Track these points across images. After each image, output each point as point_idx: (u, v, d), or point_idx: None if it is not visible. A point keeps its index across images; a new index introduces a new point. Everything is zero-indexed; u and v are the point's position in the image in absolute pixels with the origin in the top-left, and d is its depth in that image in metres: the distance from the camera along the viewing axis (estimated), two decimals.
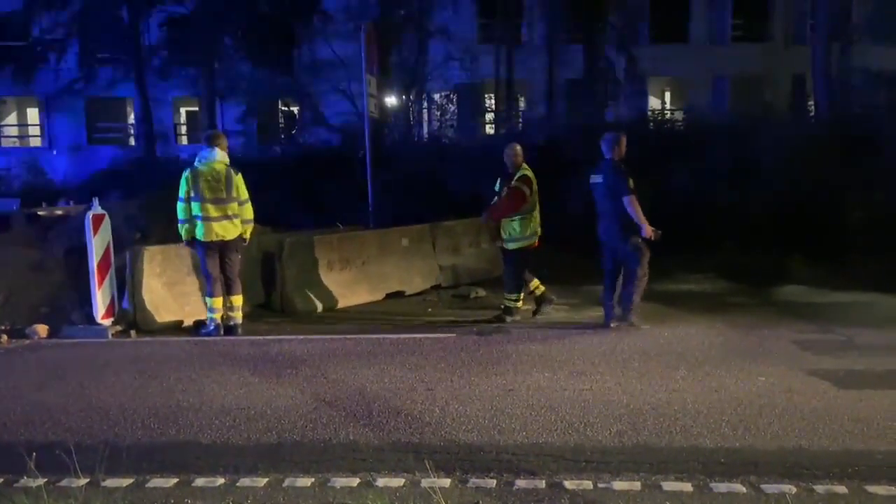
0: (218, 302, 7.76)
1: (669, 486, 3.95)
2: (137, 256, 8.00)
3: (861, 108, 14.66)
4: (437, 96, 21.25)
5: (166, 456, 4.46)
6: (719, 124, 14.32)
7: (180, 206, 7.65)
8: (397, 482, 4.03)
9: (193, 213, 7.59)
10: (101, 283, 7.78)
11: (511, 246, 8.18)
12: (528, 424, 4.87)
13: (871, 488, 3.89)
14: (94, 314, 7.80)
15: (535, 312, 8.43)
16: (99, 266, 7.77)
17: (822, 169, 11.76)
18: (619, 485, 3.98)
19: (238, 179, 7.66)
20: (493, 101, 22.61)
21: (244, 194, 7.72)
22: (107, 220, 7.89)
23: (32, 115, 30.30)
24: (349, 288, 9.46)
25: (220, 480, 4.10)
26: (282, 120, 22.88)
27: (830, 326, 7.66)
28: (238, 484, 4.06)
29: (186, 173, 7.63)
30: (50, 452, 4.28)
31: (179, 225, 7.70)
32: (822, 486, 3.91)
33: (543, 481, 4.02)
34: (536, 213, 8.19)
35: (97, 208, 7.87)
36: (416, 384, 5.81)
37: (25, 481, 4.01)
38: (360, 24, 13.47)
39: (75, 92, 25.04)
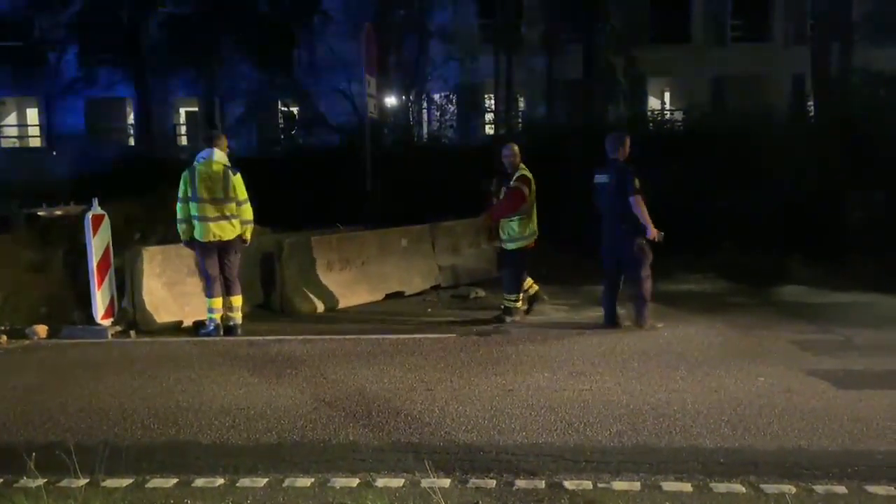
0: (217, 302, 7.75)
1: (669, 486, 3.95)
2: (137, 257, 8.00)
3: (861, 108, 14.65)
4: (436, 96, 21.24)
5: (166, 456, 4.47)
6: (719, 124, 14.31)
7: (179, 206, 7.65)
8: (397, 482, 4.03)
9: (191, 213, 7.58)
10: (100, 283, 7.78)
11: (510, 246, 8.17)
12: (528, 425, 4.87)
13: (871, 488, 3.90)
14: (94, 314, 7.80)
15: (526, 311, 8.42)
16: (98, 266, 7.78)
17: (822, 169, 11.76)
18: (618, 485, 3.98)
19: (236, 180, 7.64)
20: (492, 102, 22.61)
21: (242, 195, 7.69)
22: (106, 220, 7.89)
23: (32, 115, 30.30)
24: (349, 288, 9.46)
25: (220, 481, 4.11)
26: (281, 120, 22.85)
27: (830, 326, 7.66)
28: (238, 484, 4.06)
29: (185, 173, 7.63)
30: (50, 453, 4.28)
31: (178, 225, 7.70)
32: (822, 486, 3.92)
33: (543, 481, 4.02)
34: (534, 213, 8.19)
35: (97, 209, 7.87)
36: (415, 384, 5.82)
37: (25, 481, 4.01)
38: (360, 25, 13.48)
39: (75, 92, 25.04)
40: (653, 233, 7.43)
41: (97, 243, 7.78)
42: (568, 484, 3.99)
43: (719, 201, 11.84)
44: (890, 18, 20.19)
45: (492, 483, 4.01)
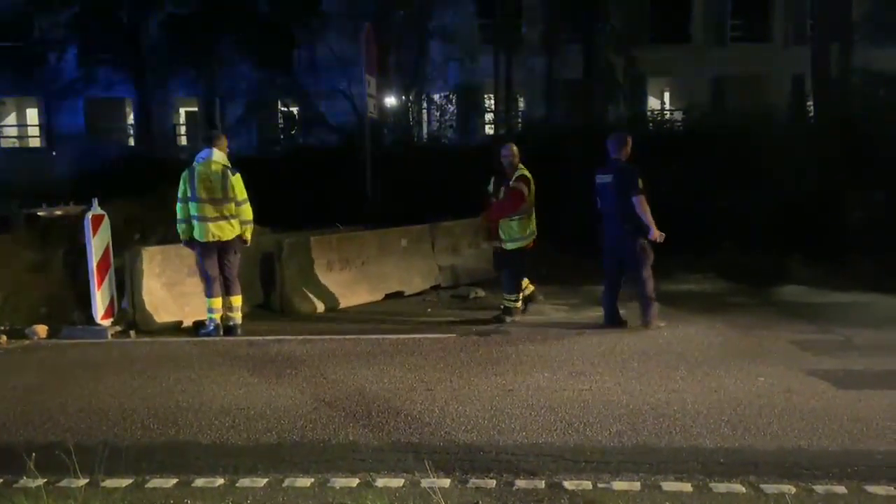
0: (217, 302, 7.75)
1: (669, 486, 3.96)
2: (137, 257, 8.00)
3: (860, 108, 14.65)
4: (436, 97, 21.22)
5: (166, 456, 4.47)
6: (719, 125, 14.31)
7: (178, 206, 7.65)
8: (397, 482, 4.03)
9: (191, 213, 7.59)
10: (100, 283, 7.78)
11: (510, 246, 8.17)
12: (528, 425, 4.87)
13: (871, 488, 3.90)
14: (94, 315, 7.80)
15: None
16: (98, 266, 7.78)
17: (822, 169, 11.76)
18: (618, 485, 3.98)
19: (235, 180, 7.62)
20: (492, 102, 22.59)
21: (241, 195, 7.68)
22: (106, 220, 7.89)
23: (32, 115, 30.29)
24: (348, 288, 9.46)
25: (220, 481, 4.11)
26: (281, 120, 22.85)
27: (830, 326, 7.66)
28: (237, 484, 4.06)
29: (184, 173, 7.64)
30: (49, 453, 4.28)
31: (177, 225, 7.71)
32: (822, 486, 3.92)
33: (543, 481, 4.02)
34: (533, 213, 8.20)
35: (96, 209, 7.87)
36: (415, 384, 5.82)
37: (25, 482, 4.01)
38: (360, 25, 13.48)
39: (75, 92, 25.03)
40: (655, 234, 7.43)
41: (97, 243, 7.78)
42: (568, 484, 3.99)
43: (719, 201, 11.84)
44: (890, 18, 20.19)
45: (492, 483, 4.01)
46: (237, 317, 7.86)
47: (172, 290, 8.26)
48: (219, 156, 7.67)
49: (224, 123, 22.47)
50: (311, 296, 9.07)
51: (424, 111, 21.99)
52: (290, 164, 15.28)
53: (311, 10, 22.51)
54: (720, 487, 3.93)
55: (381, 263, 9.94)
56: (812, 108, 16.16)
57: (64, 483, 4.05)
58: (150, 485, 4.09)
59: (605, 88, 21.00)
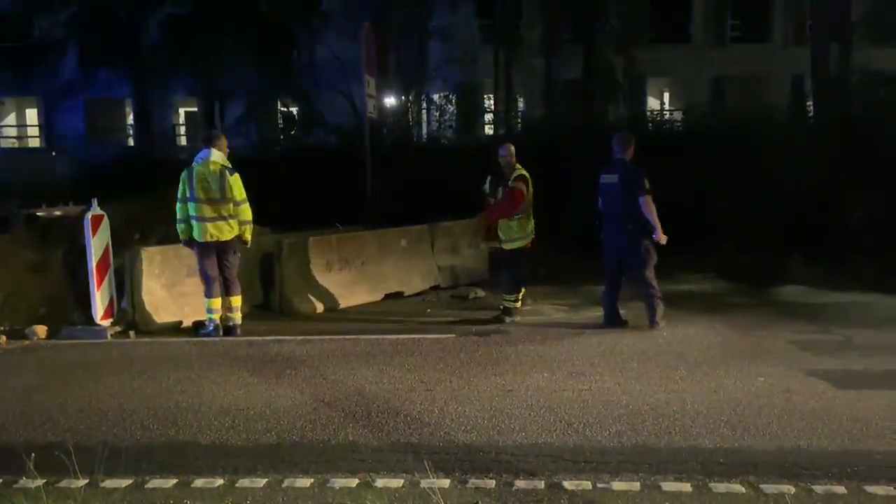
0: (216, 303, 7.75)
1: (668, 486, 3.96)
2: (136, 257, 8.00)
3: (860, 108, 14.65)
4: (436, 97, 21.22)
5: (165, 456, 4.47)
6: (718, 125, 14.31)
7: (178, 206, 7.66)
8: (396, 483, 4.03)
9: (190, 213, 7.59)
10: (100, 283, 7.78)
11: (509, 246, 8.17)
12: (528, 425, 4.87)
13: (870, 488, 3.90)
14: (93, 315, 7.80)
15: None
16: (98, 267, 7.78)
17: (822, 169, 11.76)
18: (618, 485, 3.98)
19: (233, 180, 7.60)
20: (492, 102, 22.58)
21: (240, 195, 7.66)
22: (106, 220, 7.89)
23: (32, 115, 30.28)
24: (348, 288, 9.46)
25: (219, 481, 4.11)
26: (281, 120, 22.84)
27: (829, 327, 7.67)
28: (237, 485, 4.07)
29: (183, 174, 7.64)
30: (49, 453, 4.28)
31: (177, 225, 7.71)
32: (821, 487, 3.92)
33: (542, 482, 4.03)
34: (531, 213, 8.20)
35: (96, 209, 7.87)
36: (415, 385, 5.82)
37: (24, 482, 4.01)
38: (360, 25, 13.47)
39: (74, 92, 25.02)
40: (660, 235, 7.42)
41: (96, 244, 7.78)
42: (567, 484, 3.99)
43: (719, 201, 11.85)
44: (889, 18, 20.19)
45: (491, 483, 4.02)
46: (237, 317, 7.86)
47: (172, 291, 8.26)
48: (217, 156, 7.66)
49: (223, 123, 22.45)
50: (310, 296, 9.07)
51: (424, 111, 21.98)
52: (290, 164, 15.26)
53: (311, 9, 22.50)
54: (720, 487, 3.93)
55: (380, 264, 9.94)
56: (812, 107, 16.16)
57: (63, 483, 4.05)
58: (149, 485, 4.09)
59: (604, 88, 21.00)
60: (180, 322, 8.18)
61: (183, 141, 28.54)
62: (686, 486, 3.95)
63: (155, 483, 4.11)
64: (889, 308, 8.54)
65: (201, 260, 7.69)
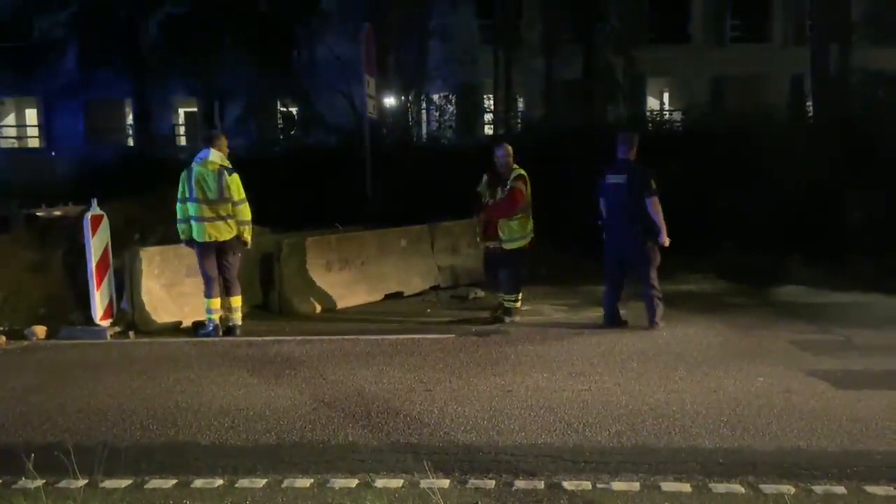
0: (216, 303, 7.75)
1: (668, 486, 3.96)
2: (136, 257, 8.00)
3: (859, 108, 14.66)
4: (435, 97, 21.22)
5: (165, 457, 4.46)
6: (718, 125, 14.31)
7: (178, 206, 7.67)
8: (396, 483, 4.03)
9: (189, 213, 7.59)
10: (99, 284, 7.78)
11: (509, 246, 8.15)
12: (527, 425, 4.87)
13: (870, 488, 3.90)
14: (93, 315, 7.80)
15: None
16: (97, 267, 7.78)
17: (822, 169, 11.76)
18: (617, 485, 3.98)
19: (231, 180, 7.58)
20: (491, 102, 22.58)
21: (238, 195, 7.64)
22: (105, 220, 7.89)
23: (31, 115, 30.28)
24: (348, 288, 9.46)
25: (219, 481, 4.10)
26: (280, 120, 22.84)
27: (829, 327, 7.67)
28: (237, 485, 4.06)
29: (183, 174, 7.64)
30: (48, 453, 4.28)
31: (177, 225, 7.71)
32: (821, 487, 3.92)
33: (542, 482, 4.02)
34: (530, 212, 8.20)
35: (96, 209, 7.86)
36: (414, 385, 5.81)
37: (24, 482, 4.01)
38: (360, 25, 13.47)
39: (74, 93, 25.01)
40: (664, 237, 7.42)
41: (96, 244, 7.78)
42: (567, 484, 3.99)
43: (719, 201, 11.85)
44: (889, 18, 20.20)
45: (491, 483, 4.01)
46: (236, 317, 7.86)
47: (171, 291, 8.26)
48: (216, 156, 7.65)
49: (223, 124, 22.45)
50: (310, 296, 9.06)
51: (424, 111, 21.98)
52: (290, 164, 15.26)
53: (311, 9, 22.49)
54: (719, 488, 3.93)
55: (380, 264, 9.94)
56: (812, 107, 16.16)
57: (63, 484, 4.05)
58: (149, 485, 4.09)
59: (604, 89, 21.01)
60: (180, 322, 8.18)
61: (183, 141, 28.54)
62: (686, 487, 3.95)
63: (154, 483, 4.11)
64: (889, 308, 8.54)
65: (201, 260, 7.69)
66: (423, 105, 21.95)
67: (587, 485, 3.98)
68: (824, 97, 15.37)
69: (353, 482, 4.06)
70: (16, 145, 30.21)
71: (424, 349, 6.99)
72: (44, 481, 3.93)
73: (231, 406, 5.37)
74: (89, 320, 7.83)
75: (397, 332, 7.89)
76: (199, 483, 4.09)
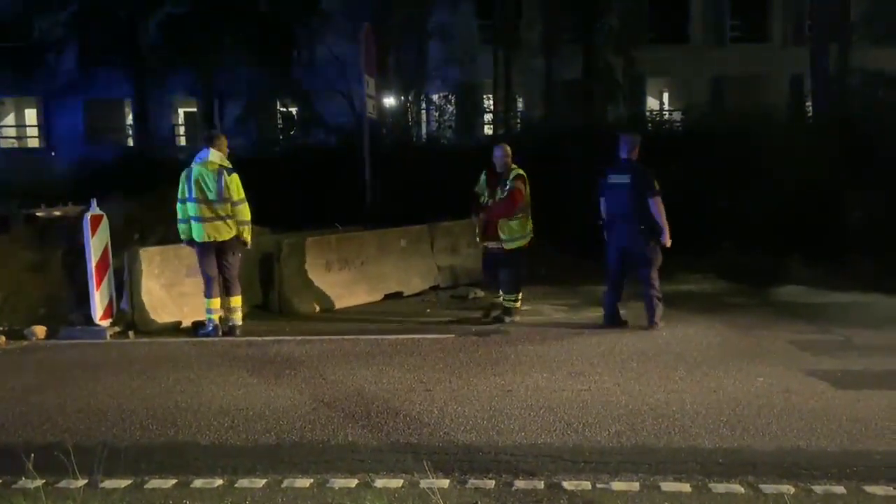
0: (216, 303, 7.74)
1: (668, 486, 3.96)
2: (135, 257, 8.00)
3: (859, 108, 14.66)
4: (435, 97, 21.21)
5: (165, 457, 4.46)
6: (718, 125, 14.31)
7: (178, 206, 7.67)
8: (396, 483, 4.03)
9: (189, 213, 7.59)
10: (99, 284, 7.78)
11: (510, 246, 8.15)
12: (527, 425, 4.87)
13: (870, 488, 3.90)
14: (93, 315, 7.80)
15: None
16: (97, 267, 7.77)
17: (821, 169, 11.76)
18: (617, 485, 3.98)
19: (230, 180, 7.57)
20: (491, 102, 22.59)
21: (237, 195, 7.63)
22: (105, 220, 7.89)
23: (31, 115, 30.28)
24: (347, 288, 9.46)
25: (219, 481, 4.10)
26: (280, 121, 22.83)
27: (829, 327, 7.67)
28: (236, 485, 4.06)
29: (183, 174, 7.64)
30: (48, 453, 4.28)
31: (178, 225, 7.71)
32: (821, 487, 3.92)
33: (542, 482, 4.03)
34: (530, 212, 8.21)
35: (95, 209, 7.86)
36: (414, 385, 5.81)
37: (24, 482, 4.01)
38: (359, 25, 13.46)
39: (74, 93, 25.00)
40: (667, 238, 7.43)
41: (96, 244, 7.78)
42: (567, 484, 3.99)
43: (719, 201, 11.84)
44: (888, 19, 20.21)
45: (491, 483, 4.01)
46: (236, 317, 7.86)
47: (171, 291, 8.26)
48: (216, 156, 7.65)
49: (223, 124, 22.44)
50: (310, 296, 9.06)
51: (423, 111, 21.98)
52: (289, 164, 15.26)
53: (310, 9, 22.48)
54: (719, 488, 3.93)
55: (380, 264, 9.94)
56: (811, 108, 16.17)
57: (63, 484, 4.05)
58: (148, 485, 4.09)
59: (604, 89, 21.00)
60: (179, 322, 8.18)
61: (182, 141, 28.54)
62: (685, 487, 3.95)
63: (154, 483, 4.11)
64: (889, 308, 8.55)
65: (201, 260, 7.69)
66: (423, 105, 21.95)
67: (587, 485, 3.98)
68: (824, 97, 15.38)
69: (353, 482, 4.06)
70: (15, 145, 30.20)
71: (424, 349, 6.99)
72: (43, 481, 3.93)
73: (231, 406, 5.37)
74: (89, 320, 7.83)
75: (397, 332, 7.89)
76: (198, 483, 4.09)
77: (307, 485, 4.04)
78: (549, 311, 8.81)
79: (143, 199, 10.47)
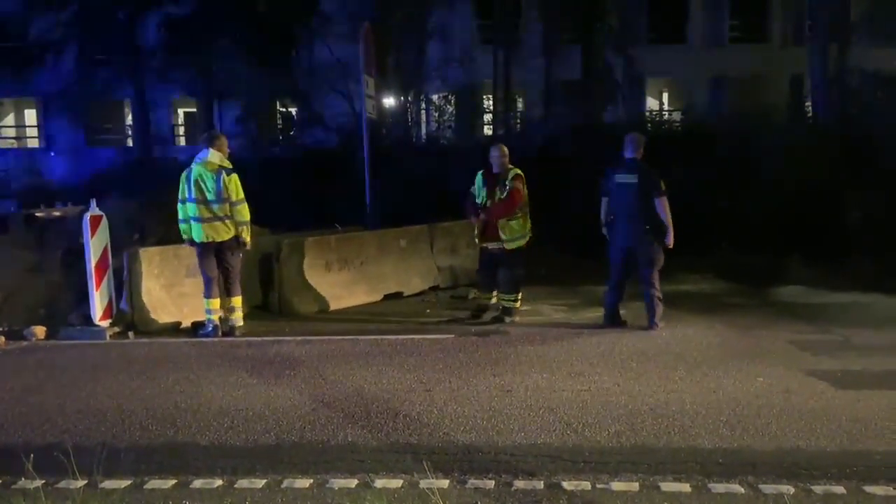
0: (215, 303, 7.74)
1: (667, 486, 3.96)
2: (135, 258, 7.99)
3: (859, 108, 14.68)
4: (435, 97, 21.23)
5: (164, 457, 4.46)
6: (717, 125, 14.34)
7: (179, 206, 7.67)
8: (395, 483, 4.03)
9: (189, 213, 7.59)
10: (98, 284, 7.77)
11: (510, 246, 8.15)
12: (527, 425, 4.87)
13: (869, 488, 3.90)
14: (92, 315, 7.79)
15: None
16: (97, 267, 7.77)
17: (821, 169, 11.77)
18: (617, 485, 3.98)
19: (229, 180, 7.56)
20: (491, 103, 22.60)
21: (236, 195, 7.62)
22: (104, 221, 7.88)
23: (30, 116, 30.29)
24: (347, 289, 9.46)
25: (218, 482, 4.10)
26: (280, 121, 22.84)
27: (828, 327, 7.67)
28: (236, 485, 4.06)
29: (183, 174, 7.65)
30: (48, 454, 4.28)
31: (179, 225, 7.72)
32: (820, 487, 3.92)
33: (542, 482, 4.02)
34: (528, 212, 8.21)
35: (95, 209, 7.86)
36: (414, 385, 5.81)
37: (23, 483, 4.01)
38: (359, 25, 13.46)
39: (73, 93, 25.00)
40: (671, 238, 7.43)
41: (95, 244, 7.77)
42: (566, 484, 3.99)
43: (719, 201, 11.85)
44: (888, 19, 20.21)
45: (490, 484, 4.01)
46: (236, 318, 7.85)
47: (171, 291, 8.25)
48: (216, 156, 7.65)
49: (222, 124, 22.46)
50: (309, 296, 9.06)
51: (423, 111, 21.99)
52: (289, 164, 15.29)
53: (310, 9, 22.48)
54: (719, 488, 3.93)
55: (379, 264, 9.93)
56: (811, 108, 16.18)
57: (62, 484, 4.05)
58: (148, 486, 4.08)
59: (603, 89, 21.00)
60: (179, 323, 8.18)
61: (182, 141, 28.57)
62: (685, 487, 3.95)
63: (154, 484, 4.10)
64: (889, 308, 8.55)
65: (201, 260, 7.69)
66: (423, 105, 21.96)
67: (586, 485, 3.98)
68: (823, 97, 15.39)
69: (353, 482, 4.06)
70: (15, 146, 30.21)
71: (424, 349, 6.99)
72: (43, 482, 3.94)
73: (230, 406, 5.37)
74: (88, 321, 7.83)
75: (397, 332, 7.89)
76: (198, 483, 4.09)
77: (307, 485, 4.04)
78: (548, 311, 8.81)
79: (143, 200, 10.48)
